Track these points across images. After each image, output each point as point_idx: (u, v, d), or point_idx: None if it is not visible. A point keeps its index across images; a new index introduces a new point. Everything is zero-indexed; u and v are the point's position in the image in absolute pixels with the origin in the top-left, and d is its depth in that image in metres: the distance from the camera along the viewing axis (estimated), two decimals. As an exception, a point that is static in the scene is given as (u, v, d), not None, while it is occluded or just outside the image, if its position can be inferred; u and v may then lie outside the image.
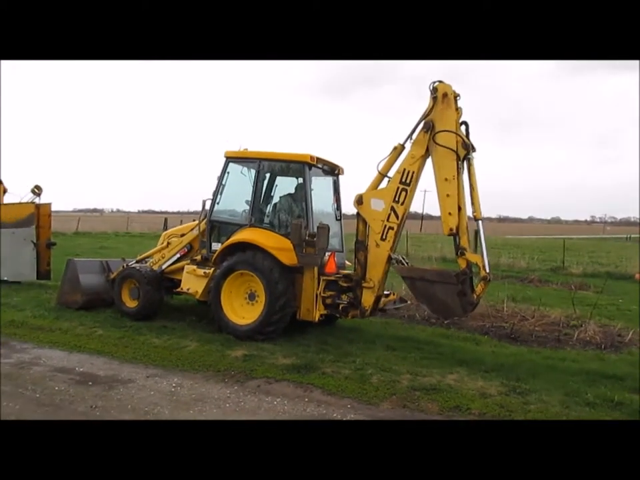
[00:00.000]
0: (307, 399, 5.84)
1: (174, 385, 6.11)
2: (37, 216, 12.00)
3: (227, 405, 5.59)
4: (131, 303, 9.17)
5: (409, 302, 9.04)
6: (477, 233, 7.49)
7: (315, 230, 7.82)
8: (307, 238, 7.62)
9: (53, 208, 12.45)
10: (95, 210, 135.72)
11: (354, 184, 8.59)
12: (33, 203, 12.23)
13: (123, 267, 9.62)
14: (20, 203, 12.38)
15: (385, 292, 8.41)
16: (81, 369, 6.58)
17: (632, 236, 68.12)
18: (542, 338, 8.76)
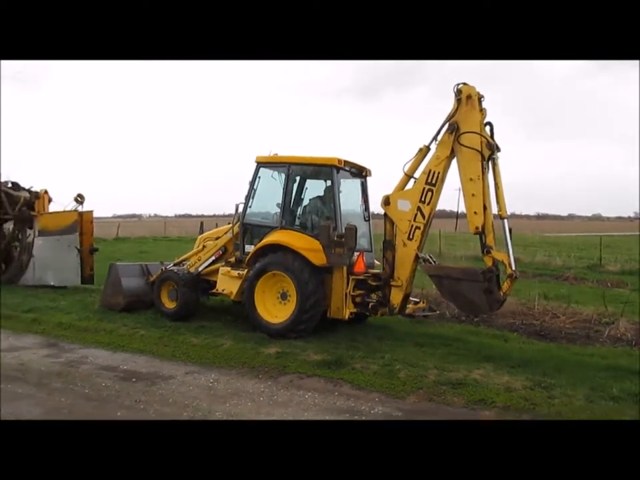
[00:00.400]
0: (336, 393, 6.12)
1: (211, 380, 6.47)
2: (80, 223, 12.59)
3: (261, 399, 5.91)
4: (169, 304, 9.60)
5: (437, 311, 9.18)
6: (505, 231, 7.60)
7: (344, 231, 8.08)
8: (335, 239, 7.88)
9: (94, 215, 13.06)
10: (133, 215, 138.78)
11: (382, 185, 8.80)
12: (76, 211, 12.84)
13: (162, 270, 10.04)
14: (64, 212, 13.02)
15: (415, 299, 8.61)
16: (125, 367, 7.02)
17: (674, 232, 65.84)
18: (572, 335, 8.80)
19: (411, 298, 8.74)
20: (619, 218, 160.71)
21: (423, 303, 8.78)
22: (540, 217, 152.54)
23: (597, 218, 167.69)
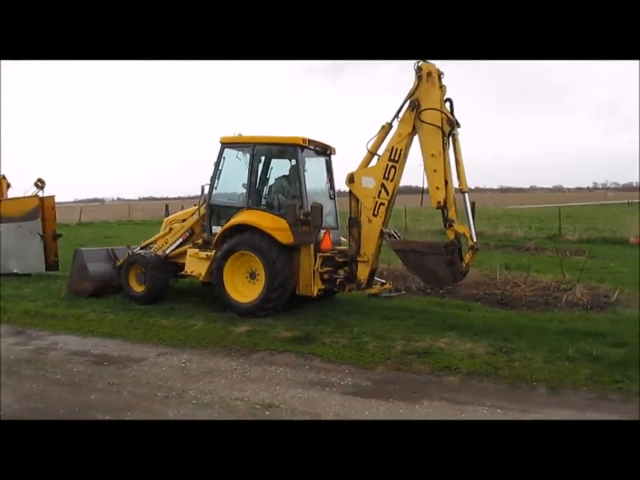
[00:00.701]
0: (307, 367, 6.29)
1: (184, 360, 6.56)
2: (41, 209, 12.35)
3: (234, 376, 6.03)
4: (138, 288, 9.58)
5: (403, 292, 9.38)
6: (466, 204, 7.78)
7: (310, 209, 8.18)
8: (301, 217, 7.97)
9: (55, 200, 12.82)
10: (95, 200, 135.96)
11: (348, 163, 8.88)
12: (36, 196, 12.59)
13: (129, 253, 9.99)
14: (24, 197, 12.76)
15: (381, 280, 8.80)
16: (96, 351, 7.03)
17: (632, 201, 68.25)
18: (532, 302, 9.16)
19: (377, 279, 8.94)
20: (579, 189, 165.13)
21: (389, 284, 8.96)
22: (503, 190, 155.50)
23: (558, 189, 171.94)
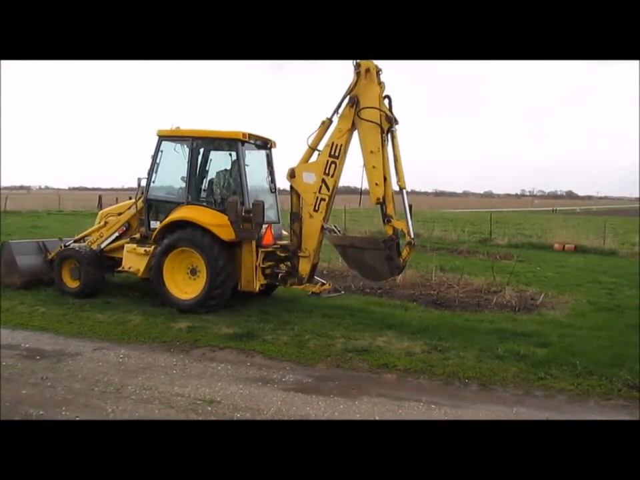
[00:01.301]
0: (249, 364, 6.32)
1: (121, 355, 6.43)
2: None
3: (174, 372, 5.97)
4: (72, 283, 9.26)
5: (342, 292, 9.54)
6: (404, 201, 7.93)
7: (251, 204, 8.18)
8: (243, 214, 7.97)
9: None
10: (21, 187, 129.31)
11: (290, 157, 8.87)
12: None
13: (61, 247, 9.64)
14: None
15: (322, 280, 8.93)
16: (27, 345, 6.77)
17: (557, 208, 72.34)
18: (465, 303, 9.55)
19: (317, 278, 9.05)
20: (508, 195, 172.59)
21: (329, 285, 9.08)
22: (437, 194, 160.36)
23: (488, 195, 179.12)
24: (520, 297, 9.90)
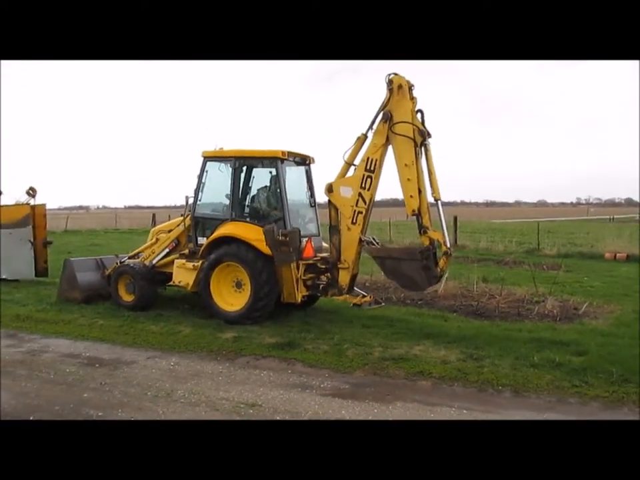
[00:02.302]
0: (290, 371, 6.66)
1: (172, 363, 6.90)
2: (32, 216, 12.64)
3: (220, 379, 6.38)
4: (127, 297, 9.87)
5: (383, 304, 9.75)
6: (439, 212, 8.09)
7: (291, 221, 8.65)
8: (280, 238, 8.26)
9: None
10: (80, 207, 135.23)
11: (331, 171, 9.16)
12: (28, 204, 12.86)
13: (117, 263, 10.27)
14: (16, 205, 13.01)
15: (362, 292, 9.19)
16: (87, 354, 7.35)
17: (615, 217, 69.69)
18: (505, 313, 9.60)
19: (359, 290, 9.33)
20: (562, 204, 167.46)
21: (370, 297, 9.32)
22: (488, 204, 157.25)
23: (542, 204, 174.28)
24: (562, 307, 9.86)
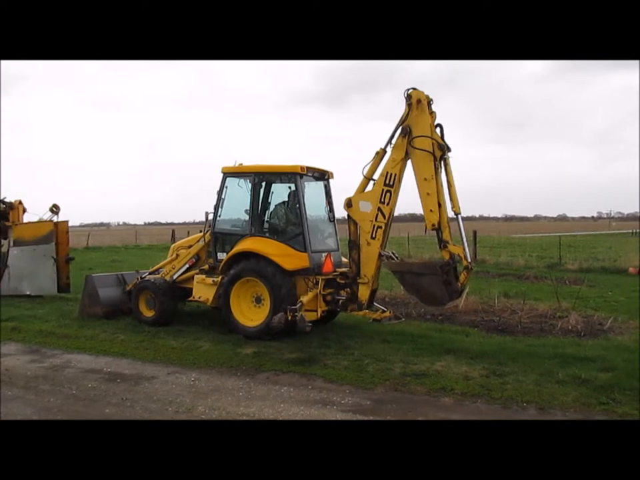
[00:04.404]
0: (310, 387, 6.61)
1: (192, 379, 6.90)
2: (55, 233, 12.84)
3: (240, 394, 6.36)
4: (148, 313, 9.94)
5: (402, 319, 9.71)
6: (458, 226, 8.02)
7: (309, 233, 8.69)
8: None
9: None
10: (101, 224, 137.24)
11: (349, 187, 9.19)
12: (51, 221, 13.08)
13: (138, 279, 10.37)
14: (40, 222, 13.24)
15: (382, 307, 9.14)
16: (109, 369, 7.39)
17: (636, 230, 68.44)
18: (527, 328, 9.46)
19: (378, 305, 9.28)
20: (583, 218, 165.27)
21: (390, 312, 9.27)
22: (507, 219, 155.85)
23: (562, 218, 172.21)
24: (586, 322, 9.69)
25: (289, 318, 7.34)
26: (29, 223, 13.62)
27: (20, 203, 14.13)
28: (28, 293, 12.79)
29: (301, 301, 7.42)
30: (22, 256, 12.86)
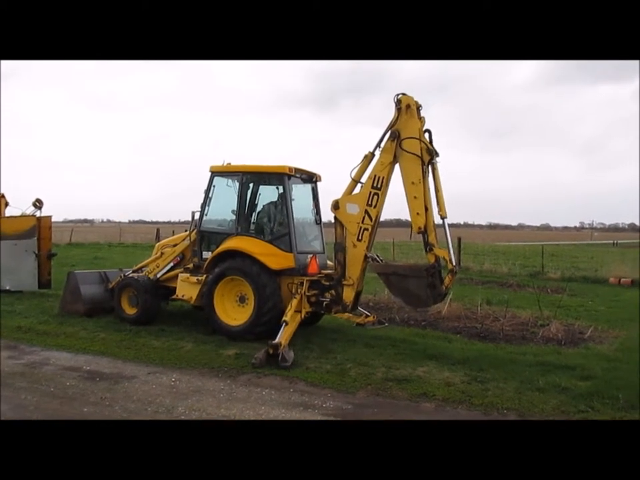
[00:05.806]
0: (291, 390, 6.58)
1: (173, 379, 6.84)
2: (38, 228, 12.67)
3: (221, 396, 6.31)
4: (130, 310, 9.84)
5: (386, 324, 9.70)
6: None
7: (295, 234, 8.69)
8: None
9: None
10: (85, 220, 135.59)
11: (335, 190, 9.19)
12: (34, 215, 12.91)
13: (121, 276, 10.26)
14: (22, 216, 13.06)
15: (366, 312, 9.12)
16: (88, 368, 7.29)
17: (618, 242, 69.47)
18: (509, 336, 9.52)
19: (362, 310, 9.26)
20: (566, 228, 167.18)
21: (373, 317, 9.23)
22: (491, 227, 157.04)
23: (545, 227, 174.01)
24: (567, 331, 9.79)
25: (270, 352, 7.37)
26: (11, 217, 13.43)
27: (2, 196, 13.96)
28: (7, 288, 12.59)
29: (280, 342, 7.45)
30: (2, 250, 12.66)
